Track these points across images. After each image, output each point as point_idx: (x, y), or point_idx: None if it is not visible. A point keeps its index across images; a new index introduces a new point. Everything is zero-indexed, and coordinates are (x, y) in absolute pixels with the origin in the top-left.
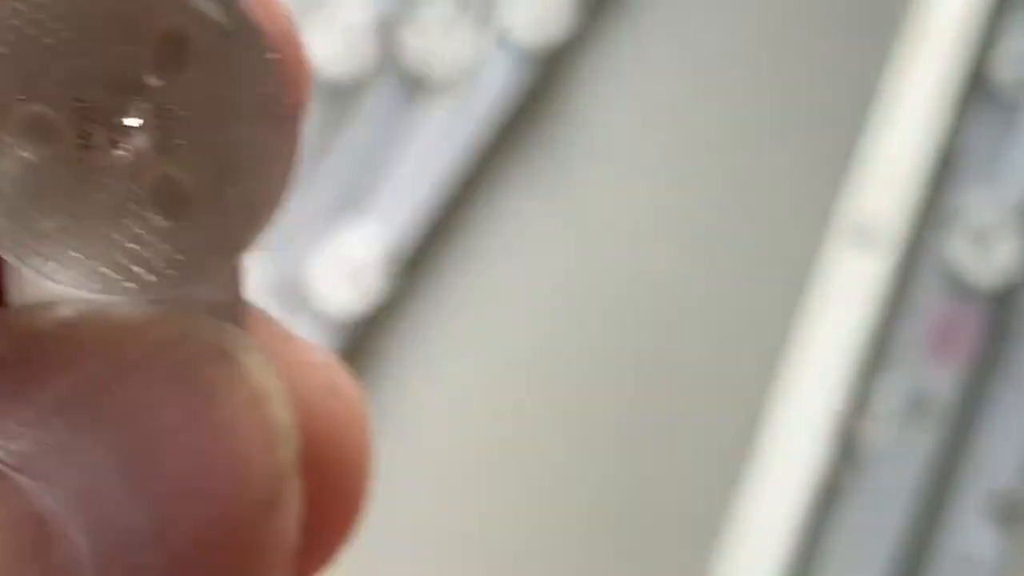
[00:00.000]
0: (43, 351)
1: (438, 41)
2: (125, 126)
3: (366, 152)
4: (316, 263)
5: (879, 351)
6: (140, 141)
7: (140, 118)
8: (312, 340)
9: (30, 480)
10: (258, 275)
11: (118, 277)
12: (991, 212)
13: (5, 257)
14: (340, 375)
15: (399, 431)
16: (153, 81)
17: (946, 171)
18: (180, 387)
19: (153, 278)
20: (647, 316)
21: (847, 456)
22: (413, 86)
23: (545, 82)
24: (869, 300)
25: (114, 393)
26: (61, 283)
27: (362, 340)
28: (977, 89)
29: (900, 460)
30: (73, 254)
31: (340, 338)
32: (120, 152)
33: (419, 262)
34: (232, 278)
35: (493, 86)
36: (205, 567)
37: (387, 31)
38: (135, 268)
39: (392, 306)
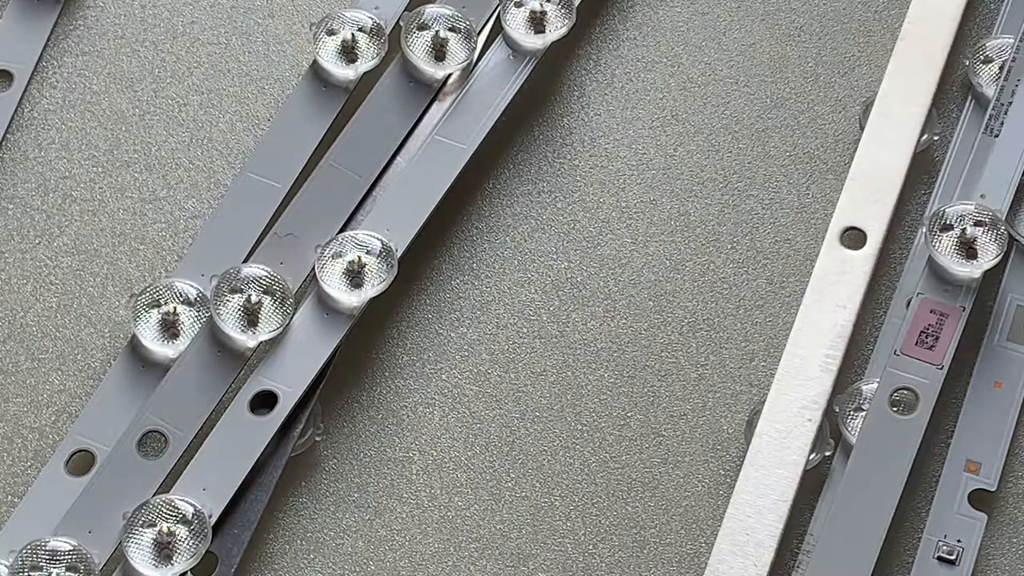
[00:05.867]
0: None
1: (438, 39)
2: None
3: (366, 148)
4: (317, 259)
5: (867, 346)
6: None
7: None
8: (315, 336)
9: None
10: (259, 272)
11: None
12: (975, 214)
13: None
14: None
15: (399, 429)
16: None
17: (933, 175)
18: None
19: None
20: (645, 311)
21: (835, 446)
22: (414, 83)
23: (544, 79)
24: (858, 297)
25: None
26: None
27: (362, 337)
28: (963, 95)
29: (885, 450)
30: None
31: (341, 334)
32: None
33: (418, 259)
34: None
35: (492, 83)
36: None
37: (388, 30)
38: None
39: (391, 303)
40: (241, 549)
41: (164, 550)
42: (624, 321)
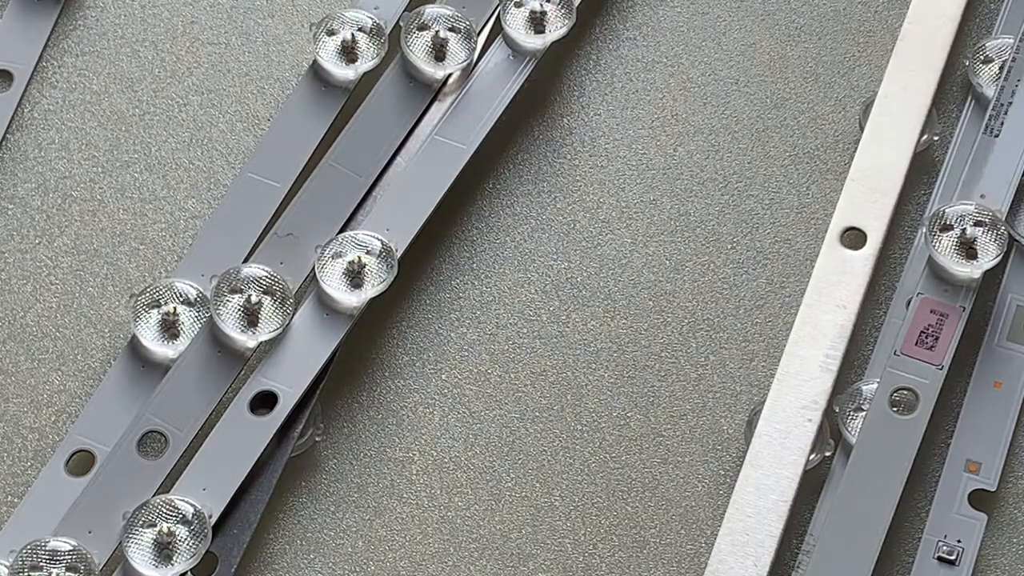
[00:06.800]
0: None
1: (438, 39)
2: None
3: (366, 148)
4: (317, 259)
5: (867, 346)
6: None
7: None
8: (315, 336)
9: None
10: (259, 272)
11: None
12: (975, 214)
13: None
14: None
15: (399, 429)
16: None
17: (933, 175)
18: None
19: None
20: (645, 311)
21: (835, 446)
22: (414, 83)
23: (544, 79)
24: (857, 297)
25: None
26: None
27: (362, 337)
28: (963, 95)
29: (885, 450)
30: None
31: (341, 334)
32: None
33: (418, 259)
34: None
35: (492, 83)
36: None
37: (388, 30)
38: None
39: (391, 303)
40: (241, 549)
41: (164, 550)
42: (624, 321)
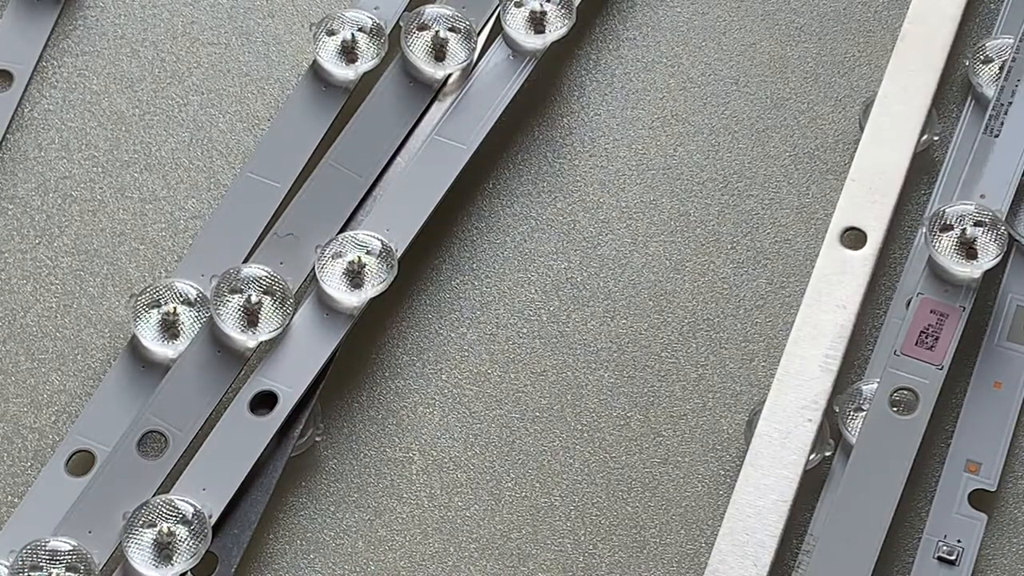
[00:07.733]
0: None
1: (438, 39)
2: None
3: (366, 148)
4: (317, 259)
5: (867, 346)
6: None
7: None
8: (315, 336)
9: None
10: (259, 272)
11: None
12: (975, 214)
13: None
14: None
15: (399, 429)
16: None
17: (933, 175)
18: None
19: None
20: (645, 311)
21: (835, 446)
22: (414, 83)
23: (544, 79)
24: (857, 297)
25: None
26: None
27: (362, 337)
28: (963, 95)
29: (885, 450)
30: None
31: (341, 334)
32: None
33: (418, 259)
34: None
35: (492, 83)
36: None
37: (387, 30)
38: None
39: (391, 303)
40: (241, 549)
41: (164, 550)
42: (624, 321)
